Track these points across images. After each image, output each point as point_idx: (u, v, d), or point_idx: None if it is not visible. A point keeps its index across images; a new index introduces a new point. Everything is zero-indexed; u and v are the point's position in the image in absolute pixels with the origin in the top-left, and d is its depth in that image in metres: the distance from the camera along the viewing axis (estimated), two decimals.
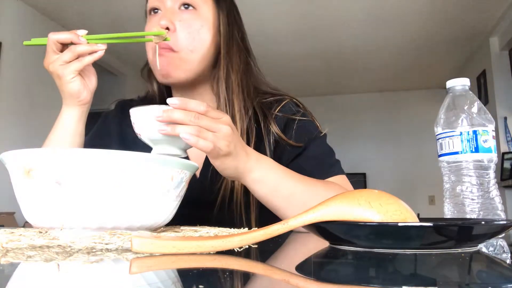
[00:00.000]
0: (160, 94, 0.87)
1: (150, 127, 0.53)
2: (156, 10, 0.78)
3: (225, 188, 0.74)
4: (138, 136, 0.56)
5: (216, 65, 0.80)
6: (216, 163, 0.57)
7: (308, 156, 0.77)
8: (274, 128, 0.77)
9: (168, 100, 0.52)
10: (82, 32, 0.65)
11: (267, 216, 0.69)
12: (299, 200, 0.64)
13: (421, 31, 3.57)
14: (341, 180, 0.75)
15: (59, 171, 0.41)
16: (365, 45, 3.89)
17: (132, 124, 0.56)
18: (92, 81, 0.71)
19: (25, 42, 0.69)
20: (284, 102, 0.81)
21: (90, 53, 0.65)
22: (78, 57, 0.65)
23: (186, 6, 0.75)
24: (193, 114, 0.52)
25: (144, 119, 0.54)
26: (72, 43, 0.65)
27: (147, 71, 0.87)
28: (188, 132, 0.51)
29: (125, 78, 4.40)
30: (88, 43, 0.64)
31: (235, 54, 0.79)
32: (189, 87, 0.80)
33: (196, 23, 0.75)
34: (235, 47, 0.80)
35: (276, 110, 0.79)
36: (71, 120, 0.71)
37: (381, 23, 3.44)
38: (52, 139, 0.72)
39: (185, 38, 0.74)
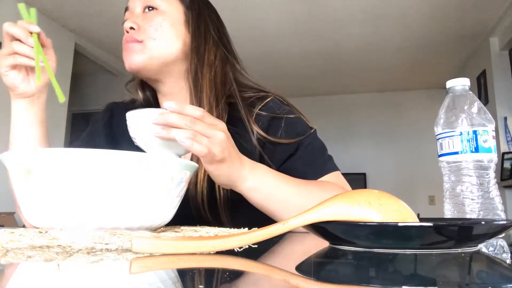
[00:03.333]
0: (145, 101, 0.89)
1: (146, 130, 0.53)
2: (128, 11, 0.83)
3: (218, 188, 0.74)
4: (133, 140, 0.56)
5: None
6: (210, 169, 0.57)
7: (300, 156, 0.76)
8: (255, 128, 0.76)
9: (165, 104, 0.52)
10: (35, 29, 0.68)
11: (256, 217, 0.69)
12: (294, 204, 0.64)
13: (421, 31, 3.57)
14: (335, 176, 0.75)
15: (59, 171, 0.41)
16: (365, 45, 3.89)
17: (128, 128, 0.56)
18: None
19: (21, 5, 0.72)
20: (267, 100, 0.80)
21: (27, 56, 0.67)
22: (14, 54, 0.67)
23: (150, 8, 0.80)
24: (188, 119, 0.52)
25: (140, 123, 0.54)
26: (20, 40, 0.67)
27: (131, 83, 0.91)
28: (184, 135, 0.51)
29: (125, 78, 4.40)
30: (32, 48, 0.67)
31: (207, 50, 0.81)
32: (166, 85, 0.81)
33: (157, 18, 0.78)
34: (208, 44, 0.81)
35: (258, 108, 0.78)
36: (16, 111, 0.74)
37: (381, 23, 3.44)
38: (11, 132, 0.76)
39: (147, 29, 0.77)
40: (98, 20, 3.45)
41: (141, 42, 0.76)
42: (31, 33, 0.68)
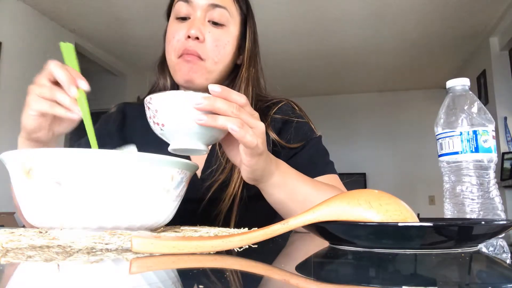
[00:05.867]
0: (172, 88, 0.87)
1: (184, 116, 0.47)
2: (184, 18, 0.78)
3: (215, 187, 0.75)
4: (157, 127, 0.50)
5: (230, 76, 0.83)
6: (252, 162, 0.53)
7: (303, 155, 0.78)
8: (271, 134, 0.78)
9: (210, 87, 0.47)
10: (83, 86, 0.55)
11: (249, 217, 0.71)
12: (312, 204, 0.64)
13: (421, 31, 3.57)
14: (333, 179, 0.76)
15: (59, 171, 0.41)
16: (365, 45, 3.89)
17: (152, 114, 0.49)
18: (61, 127, 0.63)
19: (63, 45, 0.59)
20: (281, 104, 0.83)
21: (65, 108, 0.55)
22: (53, 101, 0.56)
23: (215, 22, 0.77)
24: (235, 106, 0.48)
25: (177, 107, 0.47)
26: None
27: (161, 65, 0.88)
28: (235, 124, 0.47)
29: (125, 78, 4.39)
30: (75, 100, 0.54)
31: (252, 70, 0.82)
32: (192, 87, 0.81)
33: (224, 38, 0.77)
34: (253, 63, 0.83)
35: (273, 112, 0.81)
36: (21, 142, 0.65)
37: (381, 23, 3.45)
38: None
39: (212, 49, 0.76)
40: (98, 20, 3.45)
41: (203, 60, 0.75)
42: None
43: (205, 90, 0.57)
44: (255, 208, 0.74)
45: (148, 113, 0.50)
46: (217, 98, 0.47)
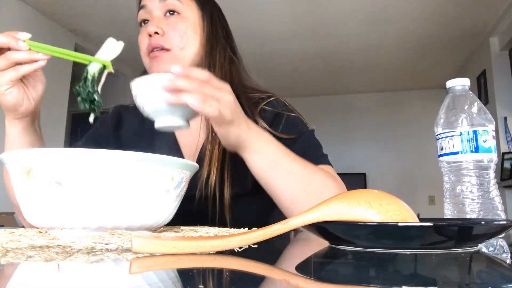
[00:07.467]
0: None
1: (155, 97, 0.53)
2: (146, 21, 0.82)
3: (205, 183, 0.75)
4: (141, 109, 0.56)
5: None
6: (221, 131, 0.58)
7: (296, 148, 0.77)
8: (262, 124, 0.78)
9: (172, 68, 0.52)
10: (24, 36, 0.56)
11: (240, 214, 0.72)
12: (297, 179, 0.65)
13: (421, 31, 3.57)
14: (328, 169, 0.75)
15: (59, 171, 0.41)
16: (365, 45, 3.89)
17: (134, 97, 0.56)
18: (37, 89, 0.64)
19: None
20: (271, 99, 0.84)
21: (29, 62, 0.56)
22: (14, 65, 0.56)
23: (171, 12, 0.80)
24: (197, 82, 0.53)
25: (148, 89, 0.54)
26: (9, 49, 0.56)
27: (144, 73, 0.90)
28: (194, 99, 0.51)
29: (125, 78, 4.39)
30: (29, 49, 0.55)
31: (218, 52, 0.83)
32: None
33: (181, 24, 0.79)
34: (219, 46, 0.84)
35: (263, 104, 0.82)
36: (15, 133, 0.65)
37: (381, 23, 3.44)
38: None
39: (173, 37, 0.78)
40: (98, 20, 3.45)
41: (169, 50, 0.77)
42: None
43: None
44: (245, 205, 0.75)
45: (133, 98, 0.57)
46: (179, 78, 0.52)
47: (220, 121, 0.56)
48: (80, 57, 0.58)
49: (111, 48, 0.57)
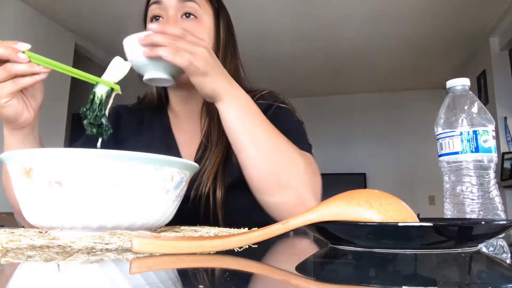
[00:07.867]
0: (158, 96, 0.90)
1: (136, 51, 0.60)
2: (157, 17, 0.79)
3: (199, 184, 0.75)
4: (133, 65, 0.61)
5: None
6: (195, 81, 0.61)
7: (280, 130, 0.74)
8: None
9: (149, 25, 0.57)
10: (24, 46, 0.54)
11: (234, 215, 0.72)
12: (261, 139, 0.65)
13: (421, 31, 3.57)
14: (307, 156, 0.72)
15: (59, 171, 0.41)
16: (365, 45, 3.89)
17: (126, 56, 0.62)
18: (37, 98, 0.62)
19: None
20: (263, 93, 0.85)
21: (29, 75, 0.55)
22: (14, 77, 0.55)
23: (187, 15, 0.78)
24: (171, 37, 0.58)
25: (131, 45, 0.61)
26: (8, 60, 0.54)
27: None
28: (167, 51, 0.57)
29: (125, 78, 4.39)
30: (29, 61, 0.54)
31: (228, 60, 0.83)
32: (186, 88, 0.81)
33: (198, 31, 0.77)
34: (227, 55, 0.84)
35: (255, 99, 0.81)
36: (14, 143, 0.64)
37: (381, 23, 3.44)
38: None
39: None
40: (98, 20, 3.45)
41: None
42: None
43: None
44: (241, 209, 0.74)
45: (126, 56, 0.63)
46: (155, 33, 0.58)
47: (193, 72, 0.59)
48: (87, 77, 0.56)
49: (118, 68, 0.58)
